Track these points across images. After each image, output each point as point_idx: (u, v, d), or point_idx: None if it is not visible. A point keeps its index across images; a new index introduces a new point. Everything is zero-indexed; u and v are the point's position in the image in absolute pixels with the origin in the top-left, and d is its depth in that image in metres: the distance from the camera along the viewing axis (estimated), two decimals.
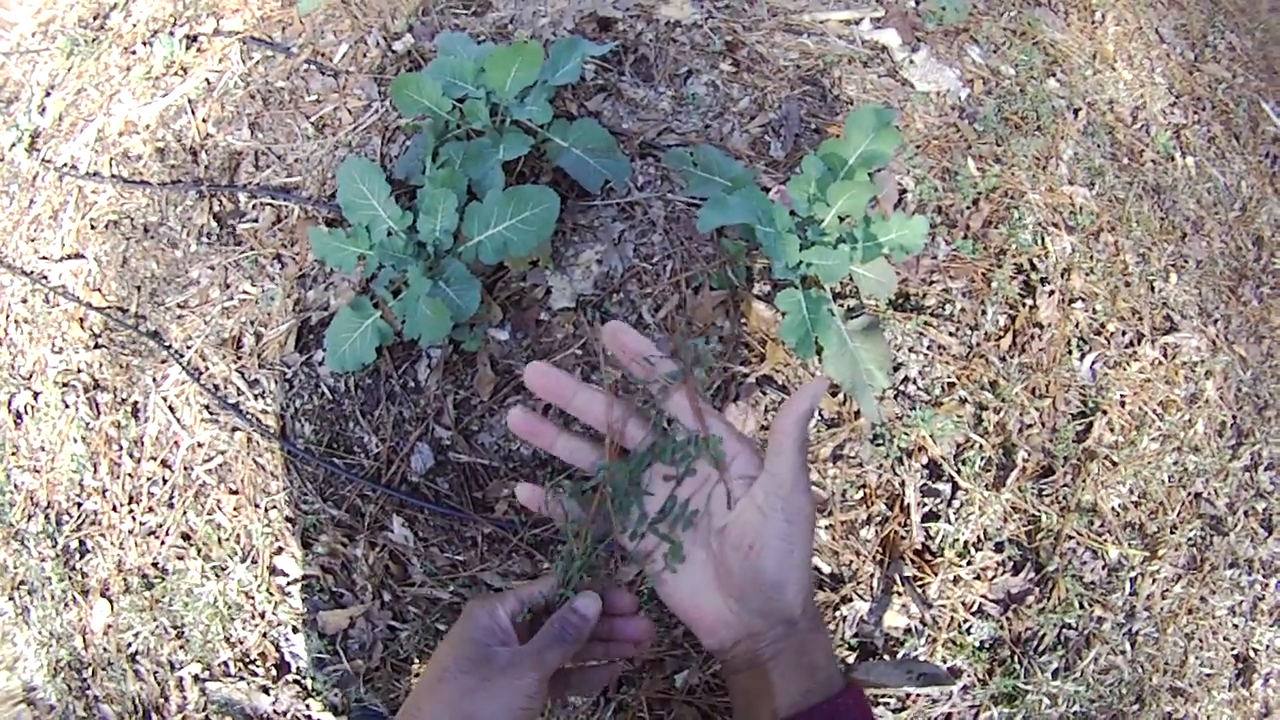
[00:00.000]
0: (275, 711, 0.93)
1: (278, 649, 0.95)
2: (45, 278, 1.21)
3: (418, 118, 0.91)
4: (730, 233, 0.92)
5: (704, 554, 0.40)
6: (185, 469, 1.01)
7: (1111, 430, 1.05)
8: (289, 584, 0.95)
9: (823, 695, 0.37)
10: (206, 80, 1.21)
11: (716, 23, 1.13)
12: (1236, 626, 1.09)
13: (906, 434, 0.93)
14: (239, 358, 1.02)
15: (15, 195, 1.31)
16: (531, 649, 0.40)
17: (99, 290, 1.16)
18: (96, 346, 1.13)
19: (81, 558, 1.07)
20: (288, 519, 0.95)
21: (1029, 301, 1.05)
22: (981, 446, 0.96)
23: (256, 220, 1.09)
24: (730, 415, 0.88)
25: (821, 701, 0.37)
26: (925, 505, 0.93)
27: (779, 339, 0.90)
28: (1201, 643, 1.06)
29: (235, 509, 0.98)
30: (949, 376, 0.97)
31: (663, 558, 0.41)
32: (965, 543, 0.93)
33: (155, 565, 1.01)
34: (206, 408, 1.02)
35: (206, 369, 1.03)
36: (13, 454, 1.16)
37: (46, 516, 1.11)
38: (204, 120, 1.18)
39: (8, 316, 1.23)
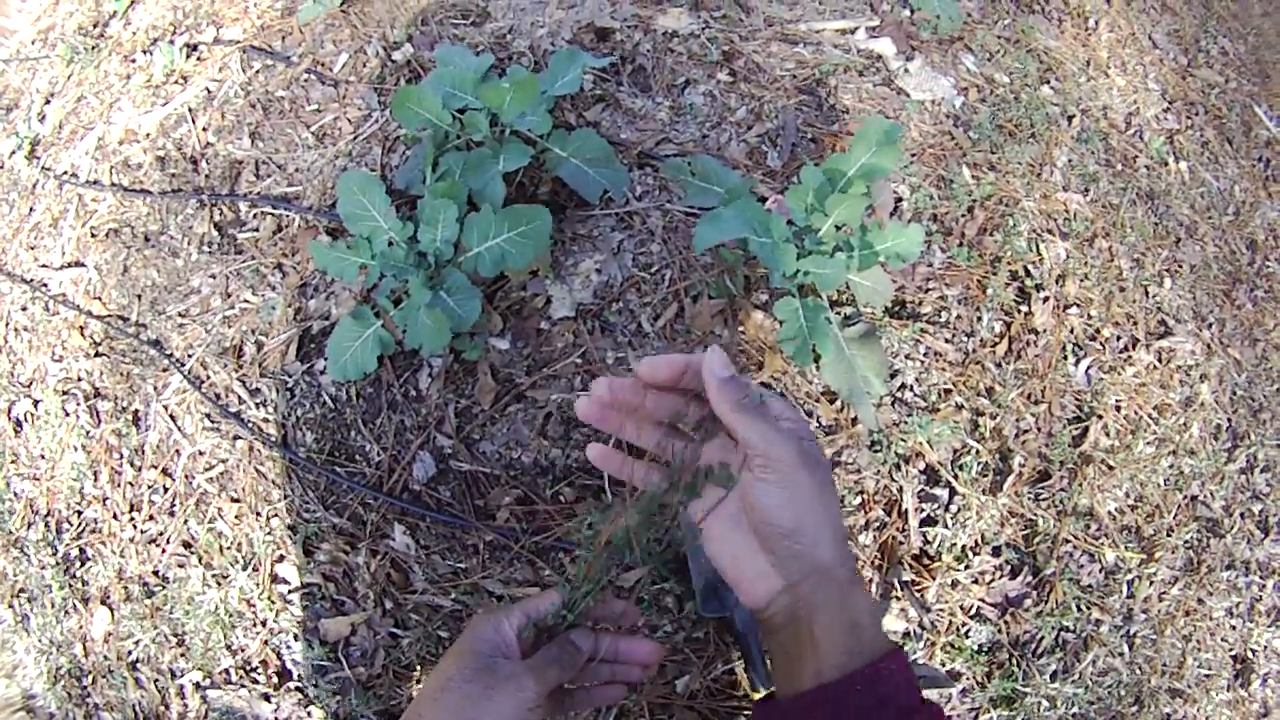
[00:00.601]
0: (276, 719, 0.93)
1: (279, 657, 0.95)
2: (45, 286, 1.21)
3: (418, 129, 0.92)
4: (728, 242, 0.93)
5: (741, 520, 0.41)
6: (186, 477, 1.02)
7: (1107, 434, 1.06)
8: (290, 592, 0.95)
9: (866, 659, 0.37)
10: (207, 89, 1.22)
11: (713, 33, 1.14)
12: (1234, 628, 1.10)
13: (904, 440, 0.94)
14: (240, 366, 1.02)
15: (15, 203, 1.32)
16: (533, 664, 0.41)
17: (99, 298, 1.16)
18: (97, 355, 1.13)
19: (82, 566, 1.07)
20: (289, 527, 0.96)
21: (1024, 308, 1.06)
22: (978, 452, 0.97)
23: (257, 229, 1.09)
24: None
25: (864, 665, 0.37)
26: (923, 510, 0.93)
27: (777, 347, 0.91)
28: (1199, 644, 1.07)
29: (236, 517, 0.99)
30: (945, 383, 0.98)
31: (701, 516, 0.42)
32: (963, 547, 0.94)
33: (156, 573, 1.02)
34: (208, 416, 1.02)
35: (208, 377, 1.04)
36: (13, 462, 1.16)
37: (47, 524, 1.11)
38: (204, 129, 1.19)
39: (8, 324, 1.23)
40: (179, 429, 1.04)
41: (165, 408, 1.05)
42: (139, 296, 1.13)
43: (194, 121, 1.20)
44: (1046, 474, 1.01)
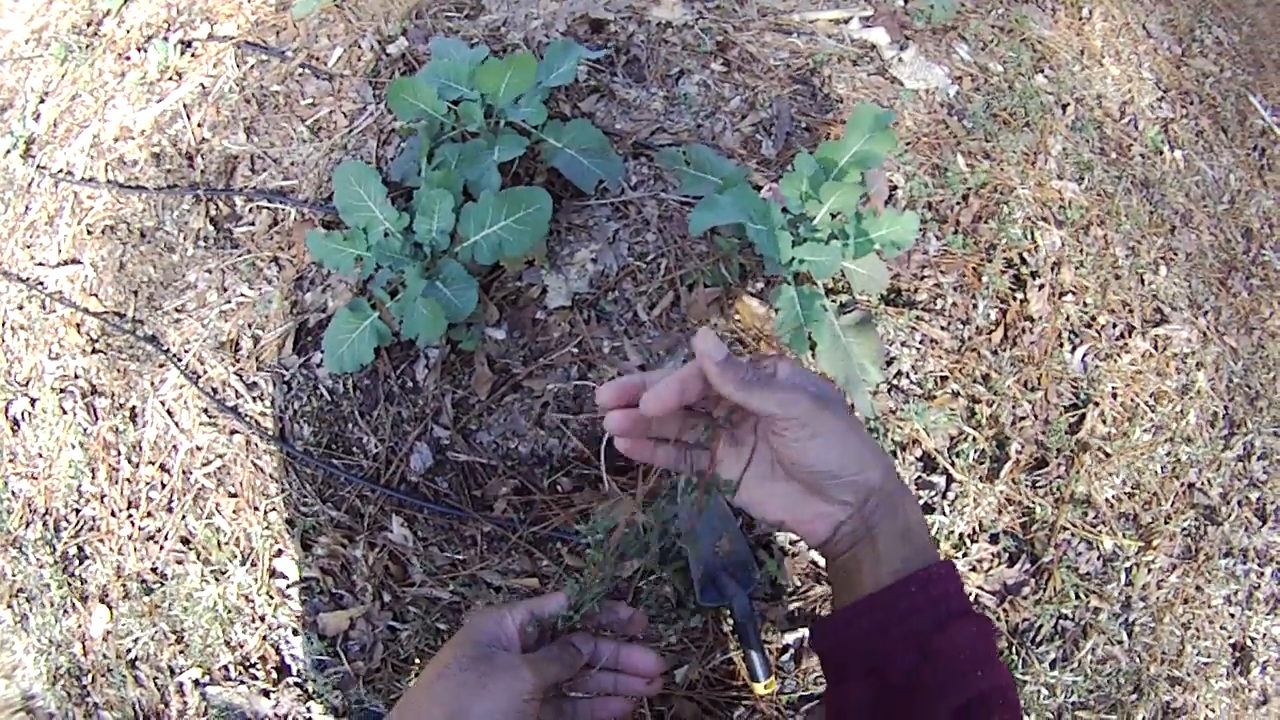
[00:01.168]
0: (276, 715, 0.93)
1: (278, 652, 0.95)
2: (42, 284, 1.21)
3: (413, 120, 0.92)
4: (723, 231, 0.93)
5: (779, 473, 0.43)
6: (184, 473, 1.02)
7: (1104, 422, 1.06)
8: (289, 586, 0.95)
9: (918, 564, 0.39)
10: (201, 85, 1.22)
11: (707, 23, 1.14)
12: (1233, 615, 1.10)
13: (900, 428, 0.94)
14: (237, 360, 1.02)
15: (11, 202, 1.32)
16: (532, 658, 0.41)
17: (96, 295, 1.16)
18: (94, 352, 1.13)
19: (80, 564, 1.07)
20: (287, 521, 0.96)
21: (1020, 295, 1.06)
22: (975, 439, 0.97)
23: (253, 224, 1.09)
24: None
25: (917, 570, 0.39)
26: (920, 498, 0.93)
27: (773, 335, 0.91)
28: (1198, 632, 1.07)
29: (234, 512, 0.98)
30: (941, 370, 0.98)
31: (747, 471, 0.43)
32: (961, 535, 0.94)
33: (154, 570, 1.01)
34: (205, 411, 1.02)
35: (204, 372, 1.04)
36: (10, 461, 1.16)
37: (44, 523, 1.11)
38: (199, 125, 1.19)
39: (4, 323, 1.23)
40: (176, 424, 1.04)
41: (162, 403, 1.05)
42: (135, 292, 1.13)
43: (189, 117, 1.20)
44: (1044, 461, 1.01)
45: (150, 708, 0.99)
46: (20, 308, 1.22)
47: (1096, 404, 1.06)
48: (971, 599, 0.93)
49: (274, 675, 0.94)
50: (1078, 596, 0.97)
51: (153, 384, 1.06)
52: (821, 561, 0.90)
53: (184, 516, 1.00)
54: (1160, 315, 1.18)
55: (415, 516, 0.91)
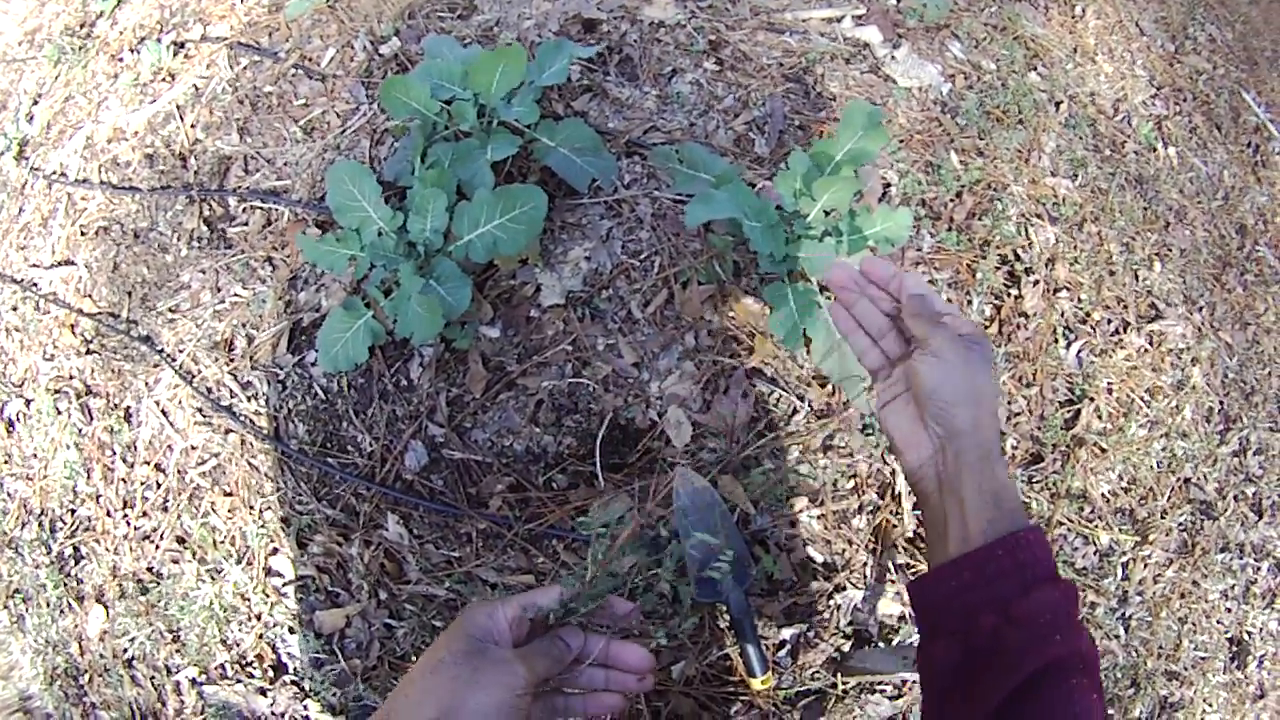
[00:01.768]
0: (273, 713, 0.93)
1: (274, 650, 0.95)
2: (36, 285, 1.21)
3: (406, 120, 0.92)
4: (717, 228, 0.93)
5: (910, 400, 0.50)
6: (179, 472, 1.01)
7: (1099, 417, 1.06)
8: (284, 585, 0.95)
9: (1007, 528, 0.42)
10: (194, 86, 1.22)
11: (700, 22, 1.14)
12: (1230, 610, 1.10)
13: None
14: (231, 360, 1.02)
15: (4, 203, 1.31)
16: (524, 653, 0.42)
17: (90, 296, 1.16)
18: (88, 352, 1.13)
19: (76, 564, 1.07)
20: (282, 520, 0.96)
21: (1014, 291, 1.06)
22: None
23: (247, 224, 1.09)
24: (720, 406, 0.89)
25: (1005, 534, 0.41)
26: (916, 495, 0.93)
27: (767, 332, 0.91)
28: (1195, 626, 1.07)
29: (230, 511, 0.98)
30: None
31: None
32: None
33: (150, 570, 1.01)
34: (199, 411, 1.02)
35: (199, 372, 1.04)
36: (5, 462, 1.16)
37: (40, 524, 1.11)
38: (192, 126, 1.19)
39: None
40: (171, 424, 1.03)
41: (157, 403, 1.05)
42: (129, 293, 1.13)
43: (182, 118, 1.20)
44: (1039, 456, 1.01)
45: (147, 707, 0.99)
46: (14, 309, 1.22)
47: (1092, 399, 1.06)
48: None
49: (271, 673, 0.94)
50: None
51: (147, 384, 1.06)
52: (818, 557, 0.90)
53: (179, 516, 1.00)
54: (1155, 311, 1.18)
55: (411, 514, 0.92)
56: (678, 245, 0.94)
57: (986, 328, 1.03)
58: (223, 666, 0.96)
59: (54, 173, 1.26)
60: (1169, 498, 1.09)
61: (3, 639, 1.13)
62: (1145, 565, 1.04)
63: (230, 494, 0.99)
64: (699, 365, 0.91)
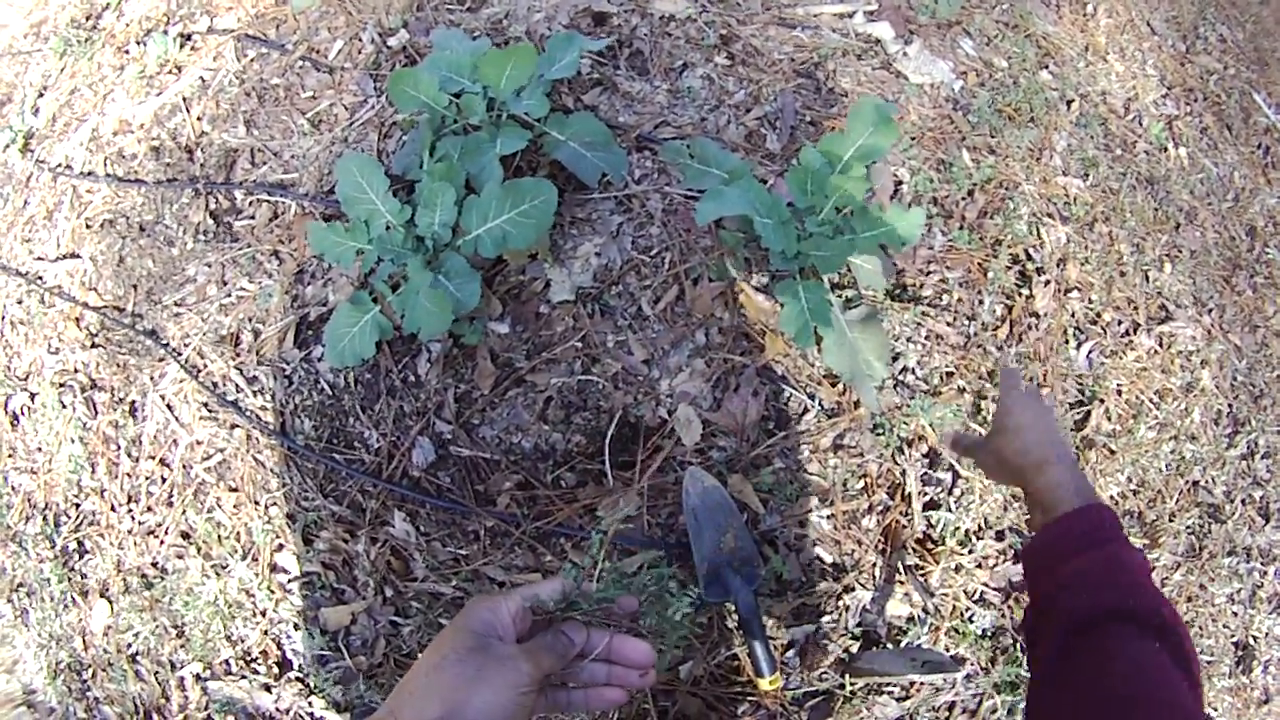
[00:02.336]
0: (277, 709, 0.93)
1: (279, 647, 0.94)
2: (41, 278, 1.20)
3: (414, 113, 0.91)
4: (728, 224, 0.92)
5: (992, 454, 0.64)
6: (184, 467, 1.01)
7: (1109, 419, 1.05)
8: (290, 581, 0.94)
9: (1088, 499, 0.52)
10: (201, 78, 1.21)
11: (711, 16, 1.13)
12: (1236, 614, 1.10)
13: (906, 423, 0.93)
14: (237, 355, 1.02)
15: (10, 196, 1.31)
16: (527, 648, 0.41)
17: (95, 290, 1.15)
18: (93, 346, 1.12)
19: (80, 559, 1.06)
20: (288, 516, 0.95)
21: (1025, 291, 1.06)
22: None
23: (253, 217, 1.09)
24: (731, 404, 0.89)
25: (1085, 504, 0.52)
26: (926, 494, 0.93)
27: (778, 329, 0.90)
28: (1201, 630, 1.07)
29: (235, 507, 0.98)
30: (947, 366, 0.97)
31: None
32: (966, 531, 0.93)
33: (155, 565, 1.01)
34: (205, 405, 1.02)
35: (204, 366, 1.03)
36: (10, 456, 1.15)
37: (45, 518, 1.10)
38: (199, 118, 1.18)
39: (4, 318, 1.22)
40: (176, 419, 1.03)
41: (162, 398, 1.04)
42: (135, 286, 1.12)
43: (188, 111, 1.19)
44: None
45: (151, 702, 0.98)
46: (19, 302, 1.21)
47: (1102, 401, 1.05)
48: (977, 595, 0.93)
49: (275, 670, 0.94)
50: None
51: (152, 378, 1.06)
52: (827, 557, 0.90)
53: (184, 511, 1.00)
54: (1165, 313, 1.17)
55: (417, 511, 0.91)
56: (688, 241, 0.94)
57: (997, 328, 1.03)
58: (227, 662, 0.95)
59: (59, 165, 1.26)
60: (1177, 501, 1.09)
61: (7, 633, 1.13)
62: (1153, 568, 1.03)
63: (236, 489, 0.98)
64: (709, 363, 0.90)
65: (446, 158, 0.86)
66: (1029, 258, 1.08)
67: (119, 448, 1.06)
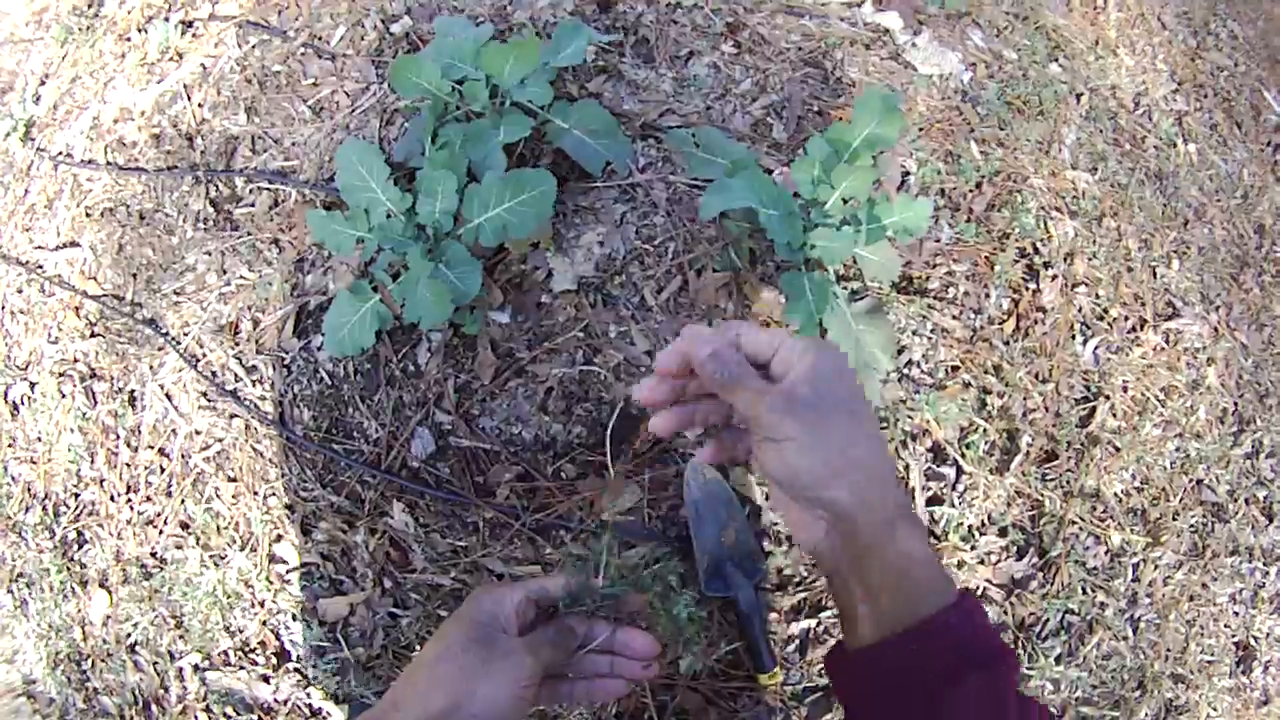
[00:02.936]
0: (275, 700, 0.92)
1: (277, 637, 0.94)
2: (41, 267, 1.19)
3: (416, 100, 0.90)
4: (733, 215, 0.91)
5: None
6: (183, 457, 1.01)
7: (1114, 415, 1.05)
8: (288, 572, 0.94)
9: (923, 611, 0.35)
10: (202, 65, 1.20)
11: (717, 4, 1.12)
12: (1237, 614, 1.09)
13: (910, 417, 0.92)
14: (236, 344, 1.01)
15: (10, 185, 1.30)
16: (530, 642, 0.41)
17: (95, 278, 1.14)
18: (93, 335, 1.11)
19: (80, 549, 1.06)
20: (287, 506, 0.95)
21: (1032, 285, 1.05)
22: (985, 430, 0.96)
23: (253, 205, 1.08)
24: None
25: (915, 623, 0.35)
26: (929, 489, 0.92)
27: (783, 321, 0.90)
28: (1203, 630, 1.06)
29: (234, 497, 0.98)
30: (953, 360, 0.97)
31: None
32: (969, 527, 0.93)
33: (154, 555, 1.01)
34: (204, 395, 1.01)
35: (204, 356, 1.02)
36: (9, 445, 1.15)
37: (44, 508, 1.10)
38: (200, 105, 1.17)
39: (4, 307, 1.22)
40: (175, 408, 1.02)
41: (161, 387, 1.04)
42: (134, 275, 1.12)
43: (189, 98, 1.18)
44: (1054, 454, 0.99)
45: (150, 693, 0.98)
46: (19, 291, 1.21)
47: (1107, 397, 1.04)
48: (979, 591, 0.92)
49: (273, 661, 0.93)
50: (1084, 591, 0.96)
51: (152, 367, 1.05)
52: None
53: (183, 501, 1.00)
54: (1172, 309, 1.16)
55: (416, 502, 0.90)
56: (693, 231, 0.93)
57: (1003, 322, 1.02)
58: (225, 653, 0.95)
59: (60, 154, 1.25)
60: (1181, 499, 1.08)
61: (6, 623, 1.13)
62: (1155, 567, 1.03)
63: (234, 479, 0.98)
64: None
65: (448, 145, 0.85)
66: (1036, 252, 1.07)
67: (118, 437, 1.05)
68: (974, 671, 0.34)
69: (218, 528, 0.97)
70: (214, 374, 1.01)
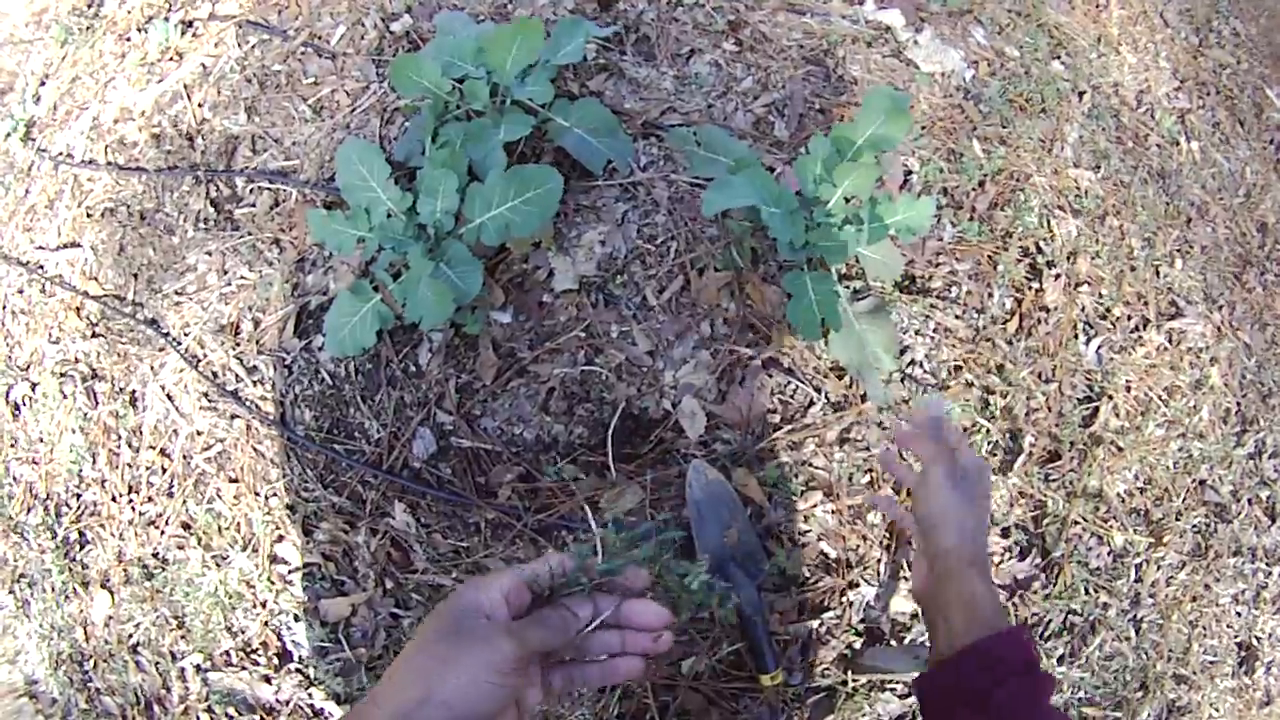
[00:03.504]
0: (277, 701, 0.92)
1: (279, 638, 0.94)
2: (42, 267, 1.19)
3: (417, 99, 0.90)
4: (735, 214, 0.91)
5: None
6: (184, 458, 1.00)
7: (1117, 415, 1.04)
8: (290, 572, 0.94)
9: (982, 633, 0.50)
10: (202, 65, 1.20)
11: (718, 1, 1.12)
12: (1240, 615, 1.09)
13: (912, 417, 0.92)
14: (237, 344, 1.01)
15: (11, 185, 1.30)
16: (513, 625, 0.39)
17: (96, 279, 1.14)
18: (94, 335, 1.11)
19: (81, 549, 1.06)
20: (288, 507, 0.94)
21: (1035, 285, 1.04)
22: (988, 430, 0.95)
23: (254, 205, 1.08)
24: (736, 397, 0.88)
25: (977, 640, 0.49)
26: None
27: (785, 321, 0.89)
28: (1205, 630, 1.06)
29: (235, 497, 0.97)
30: (956, 359, 0.96)
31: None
32: None
33: (155, 555, 1.01)
34: (205, 395, 1.01)
35: (204, 356, 1.02)
36: (11, 446, 1.15)
37: (46, 508, 1.10)
38: (200, 105, 1.17)
39: (4, 307, 1.22)
40: (176, 409, 1.02)
41: (162, 388, 1.04)
42: (135, 275, 1.11)
43: (189, 98, 1.18)
44: (1056, 454, 0.99)
45: (152, 693, 0.98)
46: (20, 291, 1.21)
47: (1110, 397, 1.04)
48: None
49: (275, 661, 0.93)
50: (1087, 592, 0.96)
51: (153, 368, 1.05)
52: (831, 552, 0.89)
53: (185, 501, 0.99)
54: (1175, 309, 1.16)
55: (418, 503, 0.90)
56: (694, 230, 0.92)
57: (1006, 322, 1.01)
58: (227, 653, 0.95)
59: (60, 154, 1.25)
60: (1184, 499, 1.07)
61: (8, 624, 1.13)
62: (1158, 567, 1.03)
63: (236, 480, 0.98)
64: (714, 354, 0.89)
65: (449, 144, 0.85)
66: (1039, 251, 1.07)
67: (119, 438, 1.05)
68: (1015, 678, 0.47)
69: (219, 528, 0.97)
70: (215, 374, 1.01)
